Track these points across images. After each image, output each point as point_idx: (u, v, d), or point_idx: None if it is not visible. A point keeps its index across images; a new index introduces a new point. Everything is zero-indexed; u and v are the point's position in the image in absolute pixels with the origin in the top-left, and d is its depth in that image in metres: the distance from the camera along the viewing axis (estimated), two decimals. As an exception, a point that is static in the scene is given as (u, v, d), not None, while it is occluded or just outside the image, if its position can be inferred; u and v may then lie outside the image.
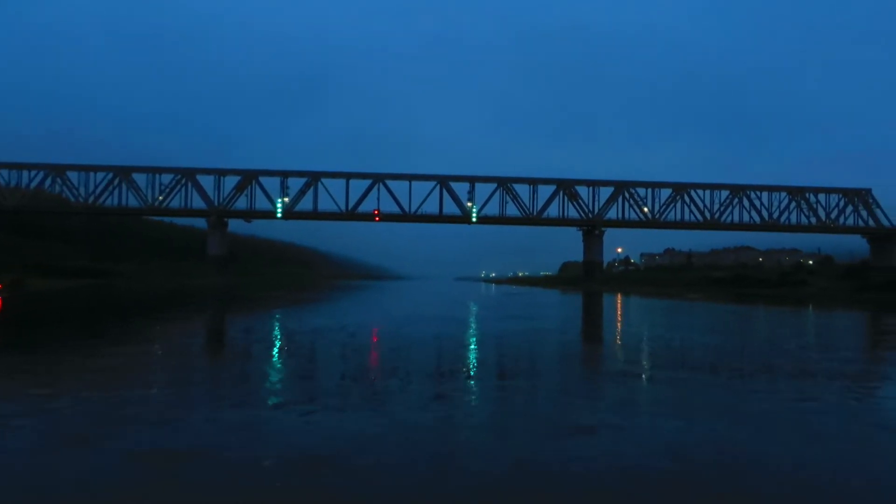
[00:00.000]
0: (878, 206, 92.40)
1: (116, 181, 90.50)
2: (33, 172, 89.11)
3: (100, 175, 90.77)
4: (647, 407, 8.29)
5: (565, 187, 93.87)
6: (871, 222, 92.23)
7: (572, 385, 9.91)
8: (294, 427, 6.86)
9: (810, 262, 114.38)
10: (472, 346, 14.71)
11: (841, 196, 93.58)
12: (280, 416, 7.37)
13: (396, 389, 8.87)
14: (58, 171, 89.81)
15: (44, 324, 20.49)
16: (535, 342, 16.28)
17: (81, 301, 33.31)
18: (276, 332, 18.03)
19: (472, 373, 10.70)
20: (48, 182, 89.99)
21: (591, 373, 11.34)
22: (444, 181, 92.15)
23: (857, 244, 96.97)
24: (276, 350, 13.67)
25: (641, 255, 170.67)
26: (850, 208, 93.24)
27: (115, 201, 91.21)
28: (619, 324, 23.42)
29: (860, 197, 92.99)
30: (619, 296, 54.98)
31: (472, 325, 20.91)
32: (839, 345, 17.27)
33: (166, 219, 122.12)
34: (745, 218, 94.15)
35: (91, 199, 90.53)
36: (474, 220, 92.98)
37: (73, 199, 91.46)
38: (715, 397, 9.01)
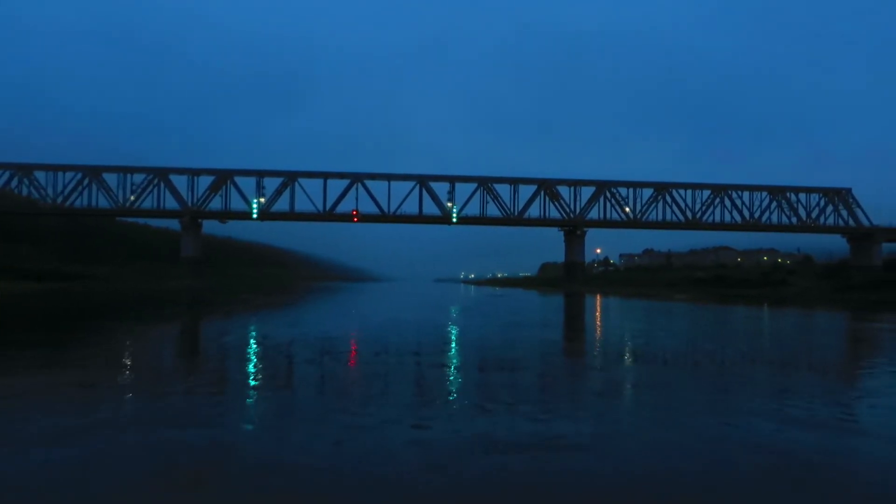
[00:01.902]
0: (858, 205, 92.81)
1: (86, 181, 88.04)
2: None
3: (69, 175, 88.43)
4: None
5: (547, 187, 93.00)
6: (851, 222, 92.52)
7: (643, 435, 6.77)
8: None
9: (787, 261, 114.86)
10: (480, 372, 11.12)
11: (821, 196, 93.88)
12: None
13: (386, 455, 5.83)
14: (25, 170, 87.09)
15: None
16: (560, 364, 12.90)
17: (26, 308, 30.86)
18: (232, 346, 15.09)
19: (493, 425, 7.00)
20: (15, 182, 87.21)
21: (650, 409, 8.15)
22: (423, 181, 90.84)
23: (835, 244, 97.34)
24: (222, 375, 10.70)
25: (620, 255, 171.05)
26: (830, 208, 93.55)
27: (85, 202, 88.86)
28: (627, 331, 20.84)
29: (840, 196, 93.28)
30: (601, 297, 53.97)
31: (469, 336, 17.84)
32: None
33: (140, 220, 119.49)
34: (727, 218, 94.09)
35: (60, 199, 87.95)
36: (454, 220, 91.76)
37: (41, 200, 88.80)
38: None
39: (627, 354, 14.30)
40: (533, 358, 13.43)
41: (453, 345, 15.70)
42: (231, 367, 11.58)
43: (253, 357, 12.95)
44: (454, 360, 12.68)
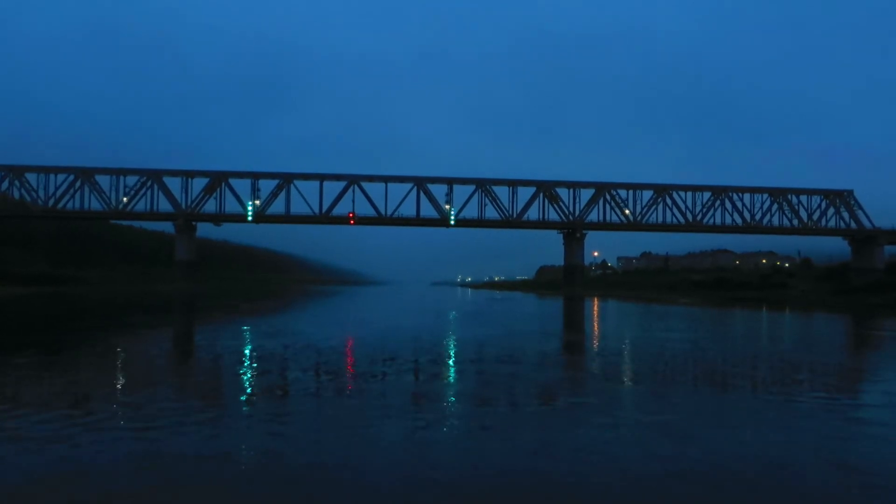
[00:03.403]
0: (860, 207, 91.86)
1: (78, 183, 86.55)
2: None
3: (60, 177, 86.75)
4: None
5: (545, 189, 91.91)
6: (852, 224, 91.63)
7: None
8: None
9: (786, 264, 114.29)
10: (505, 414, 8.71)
11: (822, 197, 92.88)
12: None
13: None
14: (16, 172, 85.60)
15: None
16: (610, 393, 10.36)
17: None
18: (212, 357, 13.65)
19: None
20: (5, 184, 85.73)
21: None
22: (421, 183, 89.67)
23: (834, 246, 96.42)
24: (190, 394, 9.36)
25: (618, 258, 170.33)
26: (831, 210, 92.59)
27: (77, 204, 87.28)
28: (661, 343, 18.29)
29: (842, 198, 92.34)
30: (605, 301, 52.88)
31: (476, 351, 15.90)
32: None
33: (135, 223, 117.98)
34: (727, 220, 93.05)
35: (52, 201, 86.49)
36: (452, 223, 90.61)
37: (32, 202, 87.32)
38: None
39: (685, 376, 12.30)
40: (563, 384, 11.27)
41: (454, 371, 14.25)
42: (187, 395, 9.51)
43: (220, 381, 11.09)
44: (467, 392, 11.17)
